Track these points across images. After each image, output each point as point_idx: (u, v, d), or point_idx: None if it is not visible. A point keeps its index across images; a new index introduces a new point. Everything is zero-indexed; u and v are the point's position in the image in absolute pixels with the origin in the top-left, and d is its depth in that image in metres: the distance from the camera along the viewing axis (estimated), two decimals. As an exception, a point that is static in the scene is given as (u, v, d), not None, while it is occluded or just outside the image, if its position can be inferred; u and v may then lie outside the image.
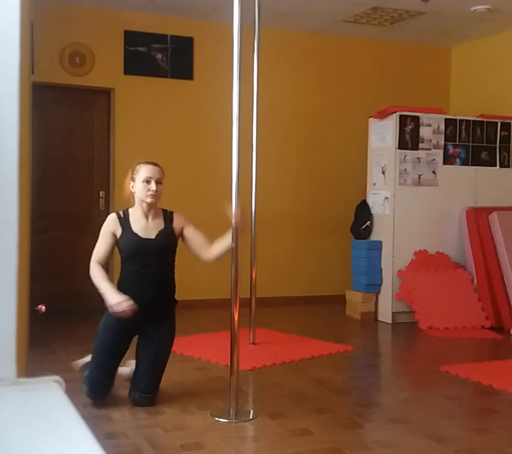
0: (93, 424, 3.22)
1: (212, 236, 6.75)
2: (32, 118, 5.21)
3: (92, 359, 3.49)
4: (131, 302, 3.23)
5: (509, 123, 6.32)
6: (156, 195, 3.38)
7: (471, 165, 6.20)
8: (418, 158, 6.00)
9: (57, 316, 5.52)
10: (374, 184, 6.18)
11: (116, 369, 3.49)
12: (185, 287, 6.04)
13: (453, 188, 6.13)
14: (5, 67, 0.96)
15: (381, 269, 6.05)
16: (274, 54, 6.58)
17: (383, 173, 6.06)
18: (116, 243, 3.48)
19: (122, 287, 3.41)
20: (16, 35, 0.97)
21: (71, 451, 0.78)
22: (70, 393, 0.95)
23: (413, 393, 3.90)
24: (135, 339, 3.50)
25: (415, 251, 5.99)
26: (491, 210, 6.01)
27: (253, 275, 4.97)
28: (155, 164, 3.44)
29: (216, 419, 3.26)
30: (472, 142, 6.19)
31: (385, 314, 6.01)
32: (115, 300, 3.25)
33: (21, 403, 0.93)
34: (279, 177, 6.76)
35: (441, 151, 6.09)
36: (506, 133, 6.31)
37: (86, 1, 6.02)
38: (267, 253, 6.48)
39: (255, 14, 4.79)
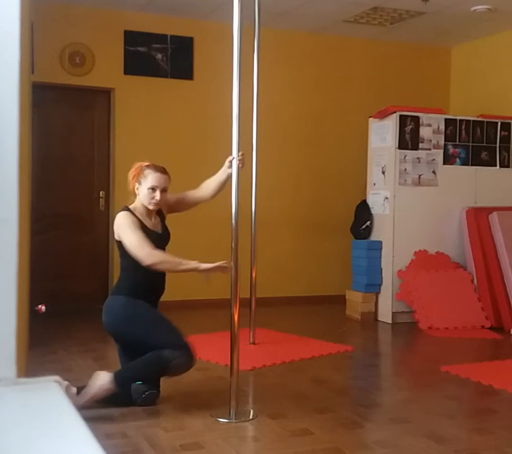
0: (93, 424, 3.21)
1: (212, 236, 6.74)
2: (32, 118, 5.21)
3: (159, 330, 3.35)
4: (223, 261, 3.27)
5: (509, 123, 6.32)
6: (158, 204, 3.45)
7: (471, 165, 6.20)
8: (418, 158, 6.00)
9: (57, 316, 5.52)
10: (374, 184, 6.18)
11: None
12: (185, 287, 6.05)
13: (453, 188, 6.13)
14: (5, 67, 0.96)
15: (381, 269, 6.05)
16: (274, 54, 6.58)
17: (383, 173, 6.06)
18: None
19: (138, 277, 3.39)
20: (16, 35, 0.97)
21: (71, 451, 0.78)
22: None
23: (413, 393, 3.90)
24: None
25: (415, 251, 5.99)
26: (491, 210, 6.01)
27: (253, 275, 4.97)
28: (163, 172, 3.45)
29: (216, 419, 3.26)
30: (472, 142, 6.19)
31: (385, 314, 6.01)
32: (212, 265, 3.22)
33: (21, 403, 0.93)
34: (279, 177, 6.76)
35: (441, 151, 6.09)
36: (506, 133, 6.31)
37: (86, 1, 6.02)
38: (267, 253, 6.47)
39: (255, 14, 4.79)
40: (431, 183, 6.06)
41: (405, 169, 5.97)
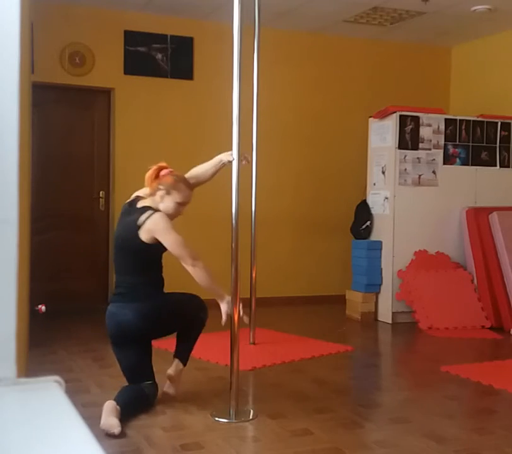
0: (93, 424, 3.22)
1: (212, 236, 6.74)
2: (32, 118, 5.21)
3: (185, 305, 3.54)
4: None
5: (509, 123, 6.32)
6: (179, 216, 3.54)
7: (471, 165, 6.20)
8: (418, 158, 6.00)
9: (57, 316, 5.52)
10: (374, 184, 6.18)
11: None
12: (185, 288, 6.03)
13: (453, 188, 6.13)
14: (5, 67, 0.96)
15: (381, 269, 6.05)
16: (274, 54, 6.58)
17: (383, 173, 6.06)
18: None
19: (159, 278, 3.50)
20: (16, 35, 0.97)
21: (71, 451, 0.78)
22: (70, 393, 0.95)
23: (413, 393, 3.90)
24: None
25: (415, 251, 5.99)
26: (491, 210, 6.01)
27: (253, 275, 4.97)
28: (192, 189, 3.53)
29: (216, 418, 3.26)
30: (472, 142, 6.19)
31: (385, 314, 6.01)
32: (228, 306, 3.38)
33: (21, 403, 0.93)
34: (279, 177, 6.76)
35: (441, 151, 6.09)
36: (506, 133, 6.31)
37: (86, 1, 6.02)
38: (267, 253, 6.47)
39: (255, 14, 4.79)
40: (431, 183, 6.06)
41: (405, 169, 5.97)
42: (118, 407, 3.13)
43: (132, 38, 6.35)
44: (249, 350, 4.74)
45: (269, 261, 6.54)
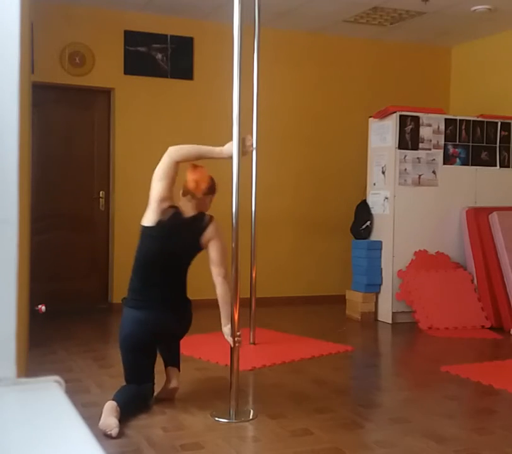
0: (93, 424, 3.22)
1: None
2: (32, 118, 5.21)
3: None
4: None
5: (509, 123, 6.32)
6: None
7: (471, 165, 6.20)
8: (418, 158, 6.01)
9: (57, 316, 5.52)
10: (374, 184, 6.18)
11: None
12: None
13: (453, 188, 6.13)
14: (6, 67, 0.96)
15: (381, 269, 6.05)
16: (274, 54, 6.58)
17: (383, 173, 6.06)
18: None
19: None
20: (16, 35, 0.97)
21: (71, 451, 0.78)
22: (70, 393, 0.95)
23: (413, 393, 3.90)
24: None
25: (415, 251, 5.99)
26: (491, 210, 6.01)
27: (253, 275, 4.97)
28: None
29: (216, 419, 3.26)
30: (472, 142, 6.19)
31: (385, 314, 6.01)
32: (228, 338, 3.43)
33: (21, 403, 0.93)
34: (279, 177, 6.76)
35: (441, 151, 6.09)
36: (506, 133, 6.31)
37: (86, 1, 6.02)
38: (267, 253, 6.48)
39: (255, 14, 4.79)
40: (431, 183, 6.07)
41: (405, 169, 5.97)
42: (118, 407, 3.13)
43: (132, 38, 6.35)
44: (249, 350, 4.74)
45: (269, 262, 6.54)
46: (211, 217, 3.42)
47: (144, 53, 6.39)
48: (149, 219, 3.37)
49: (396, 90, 7.15)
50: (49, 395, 0.94)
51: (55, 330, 5.29)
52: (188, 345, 4.67)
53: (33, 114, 5.23)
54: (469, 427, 3.23)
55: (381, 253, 6.05)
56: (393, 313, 5.94)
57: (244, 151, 3.41)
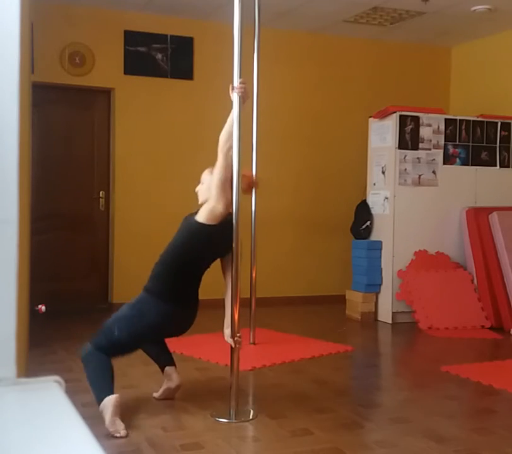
0: (93, 424, 3.22)
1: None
2: (32, 118, 5.21)
3: None
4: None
5: (509, 123, 6.32)
6: (197, 194, 3.47)
7: (471, 165, 6.20)
8: (418, 158, 6.00)
9: (57, 316, 5.52)
10: (374, 184, 6.18)
11: None
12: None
13: (453, 188, 6.13)
14: (6, 67, 0.96)
15: (381, 269, 6.05)
16: (274, 54, 6.58)
17: (383, 173, 6.06)
18: None
19: None
20: (16, 35, 0.97)
21: (71, 451, 0.78)
22: (70, 393, 0.95)
23: (413, 393, 3.90)
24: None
25: (415, 251, 5.99)
26: (491, 210, 6.01)
27: (253, 275, 4.97)
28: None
29: (216, 419, 3.26)
30: (472, 142, 6.19)
31: (385, 314, 6.01)
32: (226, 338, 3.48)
33: (21, 403, 0.93)
34: (279, 177, 6.76)
35: (441, 151, 6.09)
36: (506, 133, 6.31)
37: (86, 1, 6.02)
38: (267, 253, 6.47)
39: (255, 14, 4.79)
40: (431, 183, 6.06)
41: (405, 169, 5.97)
42: (119, 400, 3.14)
43: (132, 38, 6.35)
44: (249, 350, 4.74)
45: (269, 261, 6.54)
46: None
47: (144, 53, 6.39)
48: (210, 217, 3.28)
49: (396, 90, 7.15)
50: (49, 395, 0.94)
51: (55, 330, 5.29)
52: (188, 345, 4.68)
53: (33, 114, 5.23)
54: (469, 427, 3.23)
55: (381, 253, 6.05)
56: (393, 313, 5.94)
57: (243, 97, 3.35)
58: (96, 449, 0.77)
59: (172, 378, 3.54)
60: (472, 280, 5.96)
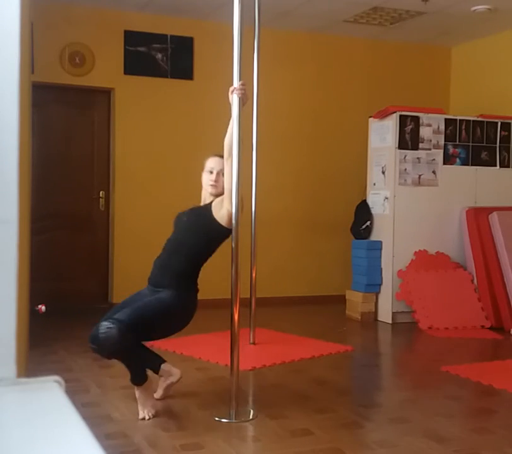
0: (93, 424, 3.22)
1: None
2: (32, 118, 5.21)
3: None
4: None
5: (509, 123, 6.32)
6: (216, 186, 3.45)
7: (471, 165, 6.20)
8: (418, 158, 6.00)
9: (57, 316, 5.52)
10: (374, 184, 6.18)
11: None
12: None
13: (453, 188, 6.13)
14: (5, 67, 0.96)
15: (381, 269, 6.05)
16: (274, 54, 6.58)
17: (383, 173, 6.06)
18: None
19: None
20: (16, 35, 0.97)
21: (71, 451, 0.78)
22: (70, 393, 0.95)
23: (413, 393, 3.90)
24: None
25: (415, 251, 5.99)
26: (491, 210, 6.01)
27: (253, 275, 4.97)
28: (220, 157, 3.47)
29: (216, 419, 3.26)
30: (472, 142, 6.19)
31: (385, 314, 6.01)
32: None
33: (21, 403, 0.92)
34: (278, 177, 6.76)
35: (441, 151, 6.09)
36: (506, 133, 6.31)
37: (86, 1, 6.02)
38: (267, 253, 6.47)
39: (255, 14, 4.79)
40: (431, 183, 6.06)
41: (405, 169, 5.97)
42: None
43: (132, 38, 6.35)
44: (249, 350, 4.74)
45: (269, 261, 6.54)
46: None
47: (144, 53, 6.39)
48: (229, 223, 3.35)
49: (396, 90, 7.15)
50: (49, 395, 0.94)
51: (55, 330, 5.29)
52: (188, 345, 4.68)
53: (33, 114, 5.23)
54: (469, 427, 3.23)
55: (381, 253, 6.05)
56: (393, 313, 5.94)
57: (242, 99, 3.37)
58: (96, 449, 0.77)
59: (172, 372, 3.52)
60: (472, 280, 5.96)
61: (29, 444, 0.79)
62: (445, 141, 6.10)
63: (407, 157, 5.96)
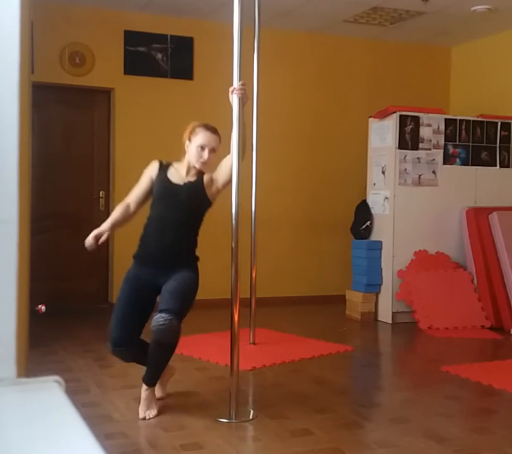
0: (93, 424, 3.22)
1: (212, 235, 6.73)
2: (32, 118, 5.21)
3: (113, 315, 3.30)
4: (104, 235, 3.26)
5: (509, 123, 6.32)
6: (206, 163, 3.40)
7: (471, 165, 6.20)
8: (418, 158, 6.00)
9: (57, 316, 5.52)
10: (374, 184, 6.18)
11: (136, 331, 3.30)
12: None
13: (453, 188, 6.13)
14: (5, 67, 0.96)
15: (381, 269, 6.05)
16: (274, 54, 6.58)
17: (383, 173, 6.06)
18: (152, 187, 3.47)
19: (145, 232, 3.41)
20: (16, 35, 0.97)
21: (71, 451, 0.78)
22: (70, 393, 0.95)
23: (413, 393, 3.90)
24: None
25: (415, 251, 5.99)
26: (491, 210, 6.01)
27: (253, 275, 4.97)
28: (214, 132, 3.41)
29: (216, 419, 3.26)
30: (472, 142, 6.19)
31: (385, 314, 6.01)
32: (94, 232, 3.27)
33: (21, 403, 0.92)
34: (278, 177, 6.76)
35: (441, 151, 6.09)
36: (506, 133, 6.31)
37: (86, 1, 6.02)
38: (267, 253, 6.47)
39: (255, 14, 4.79)
40: (431, 183, 6.06)
41: (405, 169, 5.97)
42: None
43: (132, 38, 6.35)
44: (249, 350, 4.74)
45: (269, 261, 6.54)
46: None
47: (144, 53, 6.39)
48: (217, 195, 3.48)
49: (396, 90, 7.15)
50: (49, 395, 0.94)
51: (55, 330, 5.29)
52: (188, 345, 4.67)
53: (33, 114, 5.23)
54: (469, 427, 3.23)
55: (381, 253, 6.05)
56: (393, 313, 5.94)
57: (242, 99, 3.38)
58: (96, 449, 0.77)
59: (168, 370, 3.50)
60: (472, 280, 5.96)
61: (29, 444, 0.79)
62: (445, 141, 6.10)
63: (407, 157, 5.96)
